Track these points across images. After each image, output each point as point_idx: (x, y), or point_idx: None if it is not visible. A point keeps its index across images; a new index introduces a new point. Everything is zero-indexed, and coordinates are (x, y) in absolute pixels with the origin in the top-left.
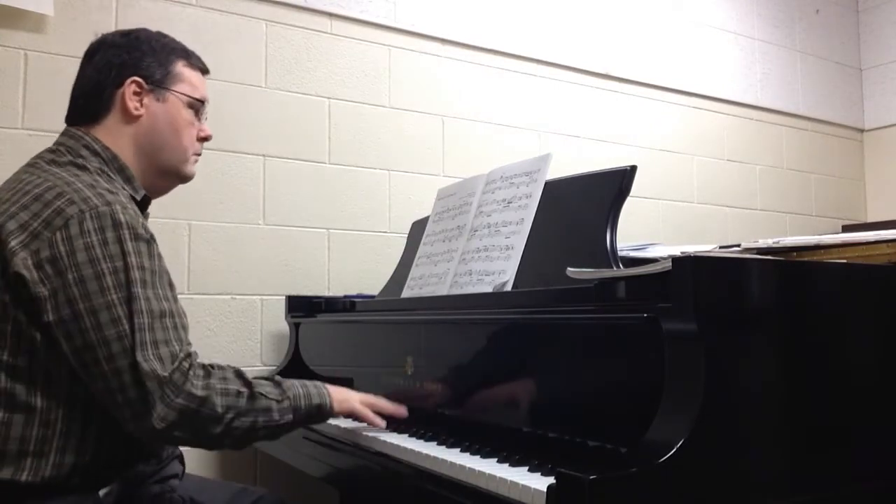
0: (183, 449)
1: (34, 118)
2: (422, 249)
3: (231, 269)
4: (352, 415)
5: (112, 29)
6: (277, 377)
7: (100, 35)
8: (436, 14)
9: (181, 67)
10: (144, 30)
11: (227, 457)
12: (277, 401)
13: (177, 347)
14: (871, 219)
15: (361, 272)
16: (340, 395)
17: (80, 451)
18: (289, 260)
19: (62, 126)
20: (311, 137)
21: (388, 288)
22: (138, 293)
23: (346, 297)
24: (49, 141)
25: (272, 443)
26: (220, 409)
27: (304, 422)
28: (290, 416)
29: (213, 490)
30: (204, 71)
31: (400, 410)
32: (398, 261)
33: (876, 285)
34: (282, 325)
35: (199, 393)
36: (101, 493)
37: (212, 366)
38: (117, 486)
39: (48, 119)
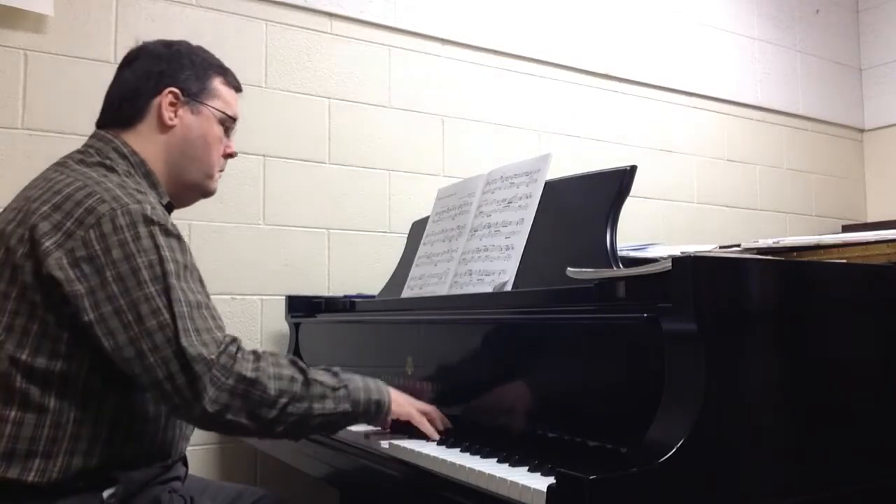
0: (186, 450)
1: (34, 118)
2: (422, 249)
3: (231, 269)
4: (408, 420)
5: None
6: (336, 368)
7: (140, 42)
8: (436, 14)
9: (218, 84)
10: (186, 42)
11: (229, 458)
12: (333, 388)
13: (219, 335)
14: (871, 219)
15: (361, 272)
16: (400, 398)
17: (88, 455)
18: (289, 260)
19: (62, 126)
20: (311, 137)
21: (388, 288)
22: (175, 284)
23: (346, 297)
24: (49, 141)
25: (272, 443)
26: (272, 392)
27: (363, 416)
28: (348, 406)
29: (214, 491)
30: (238, 89)
31: (448, 425)
32: (398, 261)
33: (876, 285)
34: (282, 325)
35: (250, 374)
36: (105, 494)
37: (263, 351)
38: (121, 487)
39: (48, 119)
